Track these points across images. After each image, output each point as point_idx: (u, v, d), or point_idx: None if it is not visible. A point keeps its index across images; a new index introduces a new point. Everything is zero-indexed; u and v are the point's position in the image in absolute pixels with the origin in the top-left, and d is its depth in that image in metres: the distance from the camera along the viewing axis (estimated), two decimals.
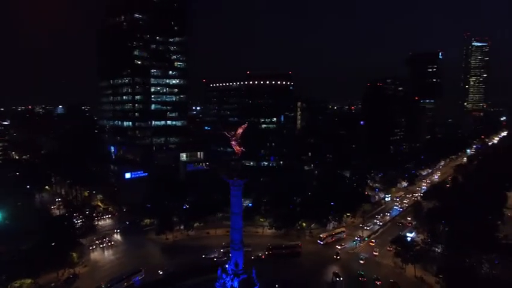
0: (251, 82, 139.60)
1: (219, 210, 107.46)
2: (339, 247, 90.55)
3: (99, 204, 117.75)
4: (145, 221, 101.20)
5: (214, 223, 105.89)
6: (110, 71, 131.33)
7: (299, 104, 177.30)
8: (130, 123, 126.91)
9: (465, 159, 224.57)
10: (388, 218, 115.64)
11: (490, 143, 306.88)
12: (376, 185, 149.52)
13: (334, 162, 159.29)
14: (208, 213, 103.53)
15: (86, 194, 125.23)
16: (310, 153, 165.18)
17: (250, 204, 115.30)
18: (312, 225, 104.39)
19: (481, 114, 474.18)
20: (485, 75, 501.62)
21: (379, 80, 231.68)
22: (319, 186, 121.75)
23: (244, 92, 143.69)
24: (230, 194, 53.73)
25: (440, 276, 65.41)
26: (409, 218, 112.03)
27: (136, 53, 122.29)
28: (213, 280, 71.12)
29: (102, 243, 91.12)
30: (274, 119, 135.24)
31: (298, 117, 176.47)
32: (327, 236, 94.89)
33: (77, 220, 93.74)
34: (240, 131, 52.71)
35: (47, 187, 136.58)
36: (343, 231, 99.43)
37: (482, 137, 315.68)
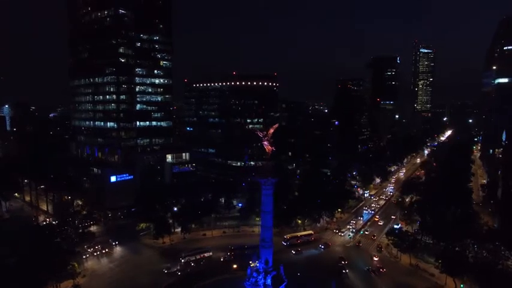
0: (237, 83, 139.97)
1: (214, 211, 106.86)
2: (294, 252, 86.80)
3: (82, 210, 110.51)
4: (141, 225, 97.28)
5: (210, 224, 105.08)
6: (89, 69, 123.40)
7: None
8: (114, 124, 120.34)
9: (425, 156, 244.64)
10: (361, 222, 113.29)
11: (441, 141, 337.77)
12: (353, 182, 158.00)
13: (313, 161, 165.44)
14: (203, 215, 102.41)
15: (64, 199, 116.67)
16: (290, 153, 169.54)
17: (240, 204, 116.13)
18: (305, 221, 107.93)
19: (429, 115, 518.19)
20: (431, 79, 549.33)
21: (345, 81, 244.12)
22: (307, 185, 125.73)
23: (229, 92, 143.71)
24: (261, 193, 54.44)
25: (439, 261, 71.80)
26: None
27: (120, 50, 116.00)
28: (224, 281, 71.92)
29: (95, 251, 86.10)
30: (261, 119, 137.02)
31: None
32: (291, 238, 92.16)
33: (66, 228, 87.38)
34: (271, 131, 53.96)
35: (16, 194, 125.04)
36: (311, 234, 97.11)
37: (435, 135, 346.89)
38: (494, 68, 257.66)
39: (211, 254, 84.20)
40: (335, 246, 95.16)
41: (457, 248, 77.48)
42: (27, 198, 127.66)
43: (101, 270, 79.97)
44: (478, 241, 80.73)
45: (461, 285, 70.14)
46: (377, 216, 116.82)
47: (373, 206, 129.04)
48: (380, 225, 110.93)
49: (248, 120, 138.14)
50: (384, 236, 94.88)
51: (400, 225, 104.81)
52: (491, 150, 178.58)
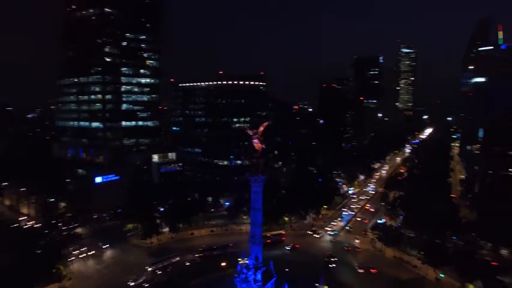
0: (224, 82, 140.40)
1: (202, 211, 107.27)
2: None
3: (67, 212, 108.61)
4: (128, 225, 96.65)
5: (198, 223, 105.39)
6: (75, 68, 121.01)
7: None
8: (100, 124, 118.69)
9: (406, 154, 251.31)
10: (342, 224, 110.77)
11: (422, 139, 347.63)
12: (337, 179, 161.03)
13: (299, 159, 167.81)
14: (191, 214, 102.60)
15: (48, 202, 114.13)
16: (276, 152, 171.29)
17: (227, 203, 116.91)
18: (292, 219, 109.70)
19: (410, 113, 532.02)
20: (412, 79, 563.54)
21: (329, 81, 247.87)
22: (294, 183, 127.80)
23: (216, 92, 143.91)
24: (251, 190, 55.27)
25: (422, 253, 74.96)
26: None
27: (106, 49, 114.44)
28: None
29: (81, 253, 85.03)
30: (248, 118, 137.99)
31: None
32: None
33: (50, 231, 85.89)
34: (261, 129, 54.73)
35: None
36: (282, 234, 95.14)
37: (416, 133, 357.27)
38: (470, 68, 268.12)
39: (178, 258, 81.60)
40: (322, 242, 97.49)
41: (437, 240, 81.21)
42: (7, 202, 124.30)
43: (88, 272, 79.04)
44: (457, 233, 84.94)
45: (441, 275, 73.48)
46: (368, 205, 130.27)
47: (352, 207, 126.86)
48: (372, 211, 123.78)
49: (235, 120, 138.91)
50: (374, 221, 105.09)
51: (384, 220, 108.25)
52: (468, 147, 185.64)
